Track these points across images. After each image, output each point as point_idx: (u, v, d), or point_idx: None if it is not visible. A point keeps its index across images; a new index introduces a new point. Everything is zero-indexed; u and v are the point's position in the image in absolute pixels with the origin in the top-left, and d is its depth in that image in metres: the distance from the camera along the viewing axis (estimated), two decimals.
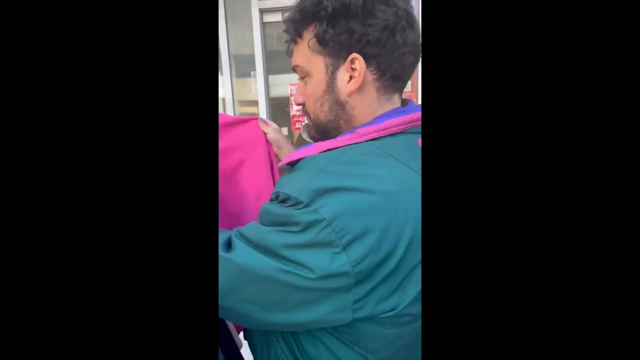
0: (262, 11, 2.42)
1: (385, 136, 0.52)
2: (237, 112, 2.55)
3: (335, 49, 0.53)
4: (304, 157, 0.53)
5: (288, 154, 0.79)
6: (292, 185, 0.47)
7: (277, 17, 2.43)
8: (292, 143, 2.54)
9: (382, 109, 0.56)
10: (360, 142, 0.52)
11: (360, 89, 0.54)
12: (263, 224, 0.49)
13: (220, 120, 0.70)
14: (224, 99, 2.52)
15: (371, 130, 0.52)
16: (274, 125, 0.76)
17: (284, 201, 0.47)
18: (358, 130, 0.53)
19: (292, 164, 0.55)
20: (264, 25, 2.47)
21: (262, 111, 2.49)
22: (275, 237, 0.45)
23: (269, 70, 2.54)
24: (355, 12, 0.51)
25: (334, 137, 0.56)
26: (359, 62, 0.53)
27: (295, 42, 0.58)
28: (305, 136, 0.67)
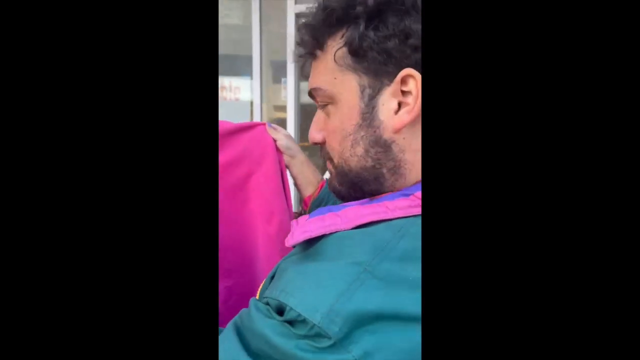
0: (298, 16, 2.37)
1: None
2: (265, 117, 2.51)
3: (377, 63, 0.36)
4: (330, 234, 0.33)
5: (302, 165, 0.62)
6: (308, 295, 0.28)
7: None
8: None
9: None
10: (419, 215, 0.33)
11: (414, 121, 0.36)
12: (250, 349, 0.29)
13: (221, 128, 0.57)
14: (251, 102, 2.48)
15: None
16: (284, 131, 0.61)
17: (291, 323, 0.28)
18: (418, 194, 0.34)
19: (309, 241, 0.35)
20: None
21: (290, 117, 2.43)
22: None
23: (302, 76, 2.48)
24: (410, 6, 0.34)
25: (373, 194, 0.38)
26: (416, 82, 0.35)
27: (314, 56, 0.41)
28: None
